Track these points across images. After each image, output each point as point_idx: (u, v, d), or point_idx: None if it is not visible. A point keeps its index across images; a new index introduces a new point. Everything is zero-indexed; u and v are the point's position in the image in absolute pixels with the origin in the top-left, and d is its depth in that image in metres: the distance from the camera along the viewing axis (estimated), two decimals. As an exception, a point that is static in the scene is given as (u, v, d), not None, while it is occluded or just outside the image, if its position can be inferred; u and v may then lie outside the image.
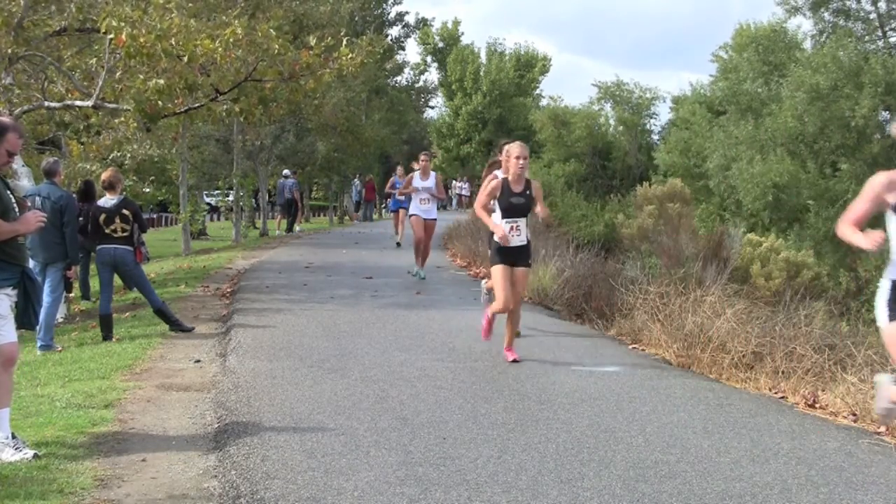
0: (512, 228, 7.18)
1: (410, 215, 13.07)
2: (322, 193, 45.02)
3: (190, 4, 11.03)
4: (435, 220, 13.01)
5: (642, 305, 9.13)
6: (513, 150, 7.23)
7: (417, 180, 12.85)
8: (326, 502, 4.08)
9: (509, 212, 7.21)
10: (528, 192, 7.27)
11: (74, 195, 12.20)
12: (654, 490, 4.31)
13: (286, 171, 27.17)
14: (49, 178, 9.17)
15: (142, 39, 9.87)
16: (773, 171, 26.60)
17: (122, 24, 9.79)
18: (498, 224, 7.26)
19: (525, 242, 7.31)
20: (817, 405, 6.17)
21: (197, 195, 30.47)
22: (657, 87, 57.39)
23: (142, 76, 10.54)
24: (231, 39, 10.38)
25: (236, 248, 20.98)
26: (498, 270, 7.24)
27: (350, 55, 12.18)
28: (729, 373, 7.20)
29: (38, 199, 8.74)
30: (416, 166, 13.62)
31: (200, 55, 10.30)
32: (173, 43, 10.05)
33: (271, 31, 11.12)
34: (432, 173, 13.02)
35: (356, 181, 36.04)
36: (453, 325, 9.24)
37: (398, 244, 18.41)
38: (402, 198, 18.68)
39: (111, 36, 10.04)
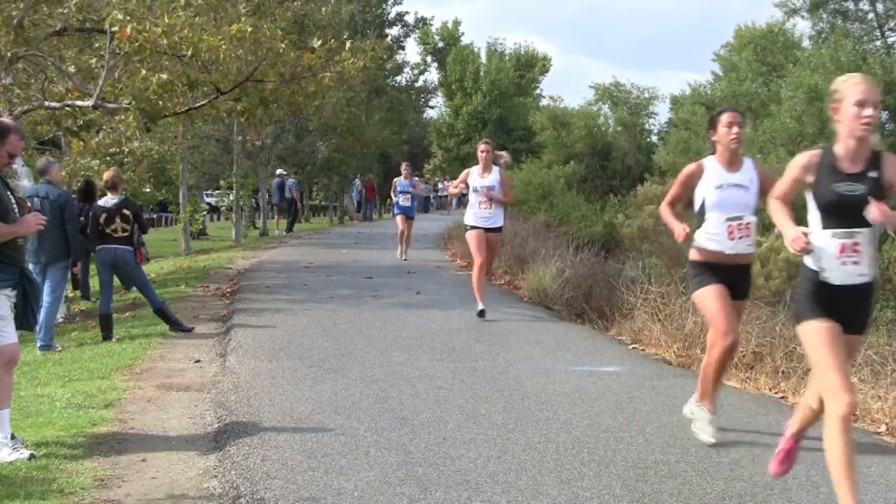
0: (844, 248, 3.75)
1: (469, 228, 9.76)
2: (322, 194, 44.91)
3: (198, 1, 11.03)
4: (500, 228, 9.85)
5: (642, 305, 9.13)
6: (850, 89, 3.84)
7: (475, 177, 9.65)
8: (326, 502, 4.08)
9: (836, 213, 3.78)
10: (873, 175, 3.78)
11: (74, 195, 12.22)
12: (654, 490, 4.31)
13: (280, 171, 27.17)
14: (42, 177, 9.19)
15: (146, 34, 9.86)
16: (772, 171, 26.63)
17: (128, 17, 9.78)
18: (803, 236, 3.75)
19: (868, 279, 3.82)
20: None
21: (197, 195, 30.48)
22: (655, 87, 57.51)
23: (144, 72, 10.53)
24: (237, 35, 10.38)
25: (236, 248, 20.98)
26: (817, 333, 3.76)
27: (352, 59, 12.18)
28: (729, 373, 7.19)
29: (35, 199, 8.75)
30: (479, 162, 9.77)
31: (204, 51, 10.30)
32: (177, 39, 10.04)
33: (278, 30, 11.12)
34: (494, 167, 9.68)
35: (357, 181, 35.97)
36: (453, 325, 9.24)
37: (404, 259, 15.89)
38: (408, 203, 16.03)
39: (115, 29, 10.02)
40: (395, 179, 16.45)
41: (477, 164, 9.81)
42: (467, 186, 9.71)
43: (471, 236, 9.67)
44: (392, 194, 16.42)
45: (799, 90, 26.68)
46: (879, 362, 6.51)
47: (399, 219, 16.25)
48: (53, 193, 8.94)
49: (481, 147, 9.81)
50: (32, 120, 13.27)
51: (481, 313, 9.50)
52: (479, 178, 9.64)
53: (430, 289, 12.09)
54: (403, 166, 16.76)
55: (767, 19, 36.47)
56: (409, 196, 16.11)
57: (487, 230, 9.57)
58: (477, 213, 9.61)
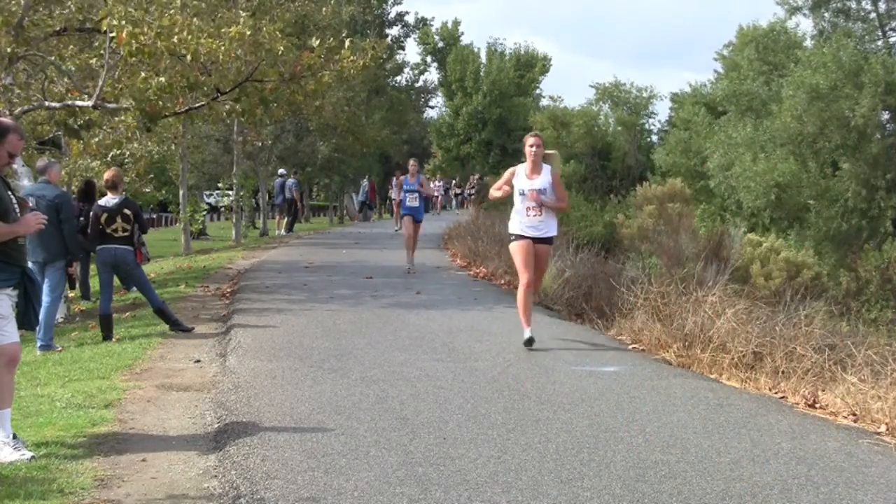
0: None
1: (513, 238, 8.12)
2: (323, 195, 44.86)
3: (194, 2, 11.03)
4: (552, 239, 8.28)
5: (642, 305, 9.13)
6: None
7: (522, 178, 8.06)
8: (326, 502, 4.08)
9: None
10: None
11: (74, 195, 12.22)
12: (654, 490, 4.31)
13: (282, 171, 27.20)
14: (42, 176, 9.19)
15: (142, 38, 9.87)
16: (776, 171, 26.64)
17: (123, 22, 9.80)
18: None
19: None
20: (817, 405, 6.17)
21: (197, 195, 30.48)
22: (654, 87, 57.50)
23: (143, 74, 10.54)
24: (236, 38, 10.38)
25: (236, 248, 20.99)
26: None
27: (351, 57, 12.17)
28: (729, 373, 7.20)
29: (31, 199, 8.75)
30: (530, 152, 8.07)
31: (203, 53, 10.31)
32: (175, 41, 10.05)
33: (277, 32, 11.12)
34: (545, 167, 8.10)
35: (364, 181, 35.46)
36: (453, 325, 9.24)
37: (409, 271, 13.94)
38: (415, 203, 14.20)
39: (112, 34, 10.04)
40: (401, 178, 14.20)
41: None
42: (511, 188, 8.14)
43: (516, 248, 8.04)
44: (394, 193, 14.78)
45: (800, 89, 26.66)
46: (879, 362, 6.51)
47: (406, 220, 14.46)
48: (50, 193, 8.93)
49: (530, 141, 8.07)
50: (32, 120, 13.28)
51: (529, 341, 7.91)
52: (526, 179, 8.04)
53: (430, 289, 12.09)
54: (411, 162, 14.84)
55: (771, 18, 36.47)
56: (416, 196, 14.27)
57: (536, 241, 8.00)
58: (524, 221, 8.02)
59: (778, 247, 19.66)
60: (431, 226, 23.96)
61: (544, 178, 8.04)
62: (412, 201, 14.29)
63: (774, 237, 21.44)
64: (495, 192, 8.36)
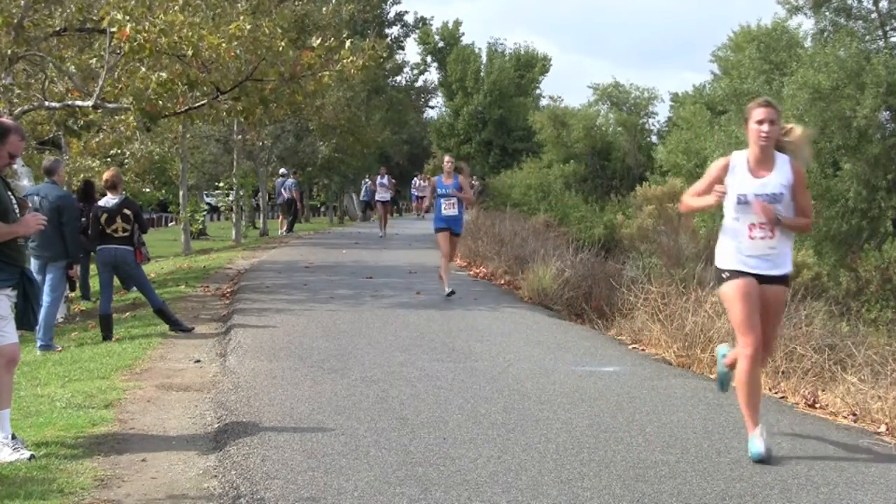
0: None
1: (728, 275, 4.85)
2: (323, 195, 44.76)
3: (196, 1, 11.02)
4: (788, 276, 4.99)
5: (642, 305, 9.13)
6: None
7: (744, 176, 4.84)
8: (326, 502, 4.08)
9: None
10: None
11: (74, 195, 12.21)
12: (654, 490, 4.30)
13: (283, 170, 27.18)
14: (49, 176, 9.16)
15: (145, 34, 9.86)
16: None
17: (126, 17, 9.79)
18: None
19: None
20: (817, 405, 6.17)
21: (197, 195, 30.47)
22: (655, 88, 57.60)
23: (143, 70, 10.53)
24: (237, 34, 10.37)
25: (236, 248, 20.98)
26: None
27: (351, 58, 12.16)
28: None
29: (35, 198, 8.73)
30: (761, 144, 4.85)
31: (204, 50, 10.30)
32: (177, 39, 10.04)
33: (277, 29, 11.11)
34: (780, 157, 4.85)
35: (367, 180, 34.98)
36: (453, 325, 9.24)
37: (451, 293, 10.99)
38: (453, 211, 11.05)
39: (114, 30, 10.02)
40: (434, 178, 11.80)
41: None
42: (721, 193, 4.89)
43: (733, 292, 4.84)
44: (425, 198, 11.84)
45: (802, 89, 26.63)
46: (879, 362, 6.51)
47: (441, 237, 11.20)
48: (52, 194, 8.90)
49: (758, 114, 4.78)
50: (32, 120, 13.28)
51: (763, 457, 4.70)
52: (750, 176, 4.85)
53: (430, 289, 12.07)
54: (447, 159, 11.58)
55: (772, 17, 36.47)
56: (453, 202, 11.05)
57: (765, 280, 4.84)
58: (745, 247, 4.84)
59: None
60: (430, 225, 23.94)
61: (781, 176, 4.81)
62: (449, 209, 11.06)
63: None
64: (695, 200, 5.08)
